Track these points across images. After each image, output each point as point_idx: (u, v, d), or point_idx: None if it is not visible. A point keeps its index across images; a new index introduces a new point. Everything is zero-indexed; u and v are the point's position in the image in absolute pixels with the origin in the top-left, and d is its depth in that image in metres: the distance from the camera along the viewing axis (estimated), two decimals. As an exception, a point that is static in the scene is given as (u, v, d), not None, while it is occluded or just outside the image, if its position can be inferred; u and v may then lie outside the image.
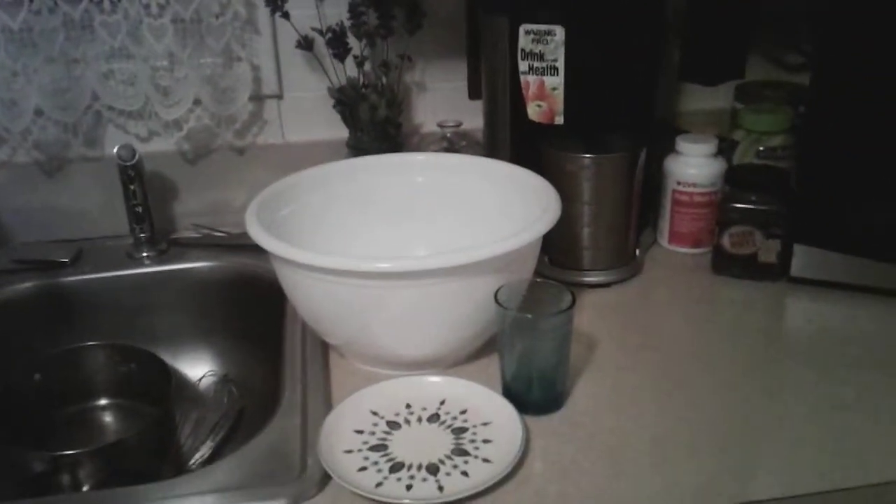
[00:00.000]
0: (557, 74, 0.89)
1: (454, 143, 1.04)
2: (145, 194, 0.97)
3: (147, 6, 0.95)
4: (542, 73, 0.90)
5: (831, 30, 0.81)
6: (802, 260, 0.87)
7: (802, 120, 0.96)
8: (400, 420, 0.68)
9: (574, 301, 0.68)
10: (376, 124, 1.02)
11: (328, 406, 0.70)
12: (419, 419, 0.68)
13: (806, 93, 0.95)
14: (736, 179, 0.89)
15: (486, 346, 0.76)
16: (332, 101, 1.04)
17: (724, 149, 0.97)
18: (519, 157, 0.91)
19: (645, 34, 0.93)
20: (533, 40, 0.89)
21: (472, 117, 1.05)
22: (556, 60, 0.89)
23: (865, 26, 0.78)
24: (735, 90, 1.09)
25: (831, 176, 0.84)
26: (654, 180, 0.97)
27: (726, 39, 1.11)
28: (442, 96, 1.10)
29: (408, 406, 0.69)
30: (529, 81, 0.91)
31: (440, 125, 1.04)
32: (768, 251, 0.88)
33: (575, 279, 0.90)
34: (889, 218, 0.83)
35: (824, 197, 0.85)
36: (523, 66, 0.91)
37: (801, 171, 0.86)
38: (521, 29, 0.89)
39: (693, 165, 0.93)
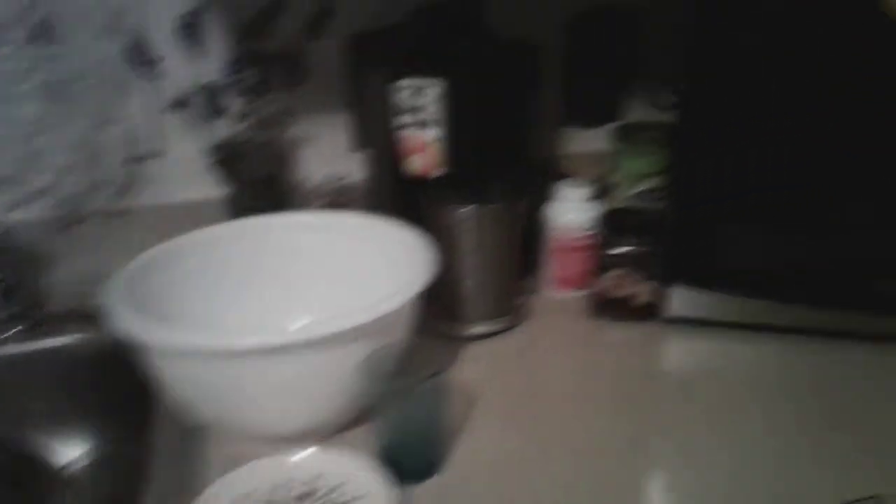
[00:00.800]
0: (435, 127, 0.90)
1: (339, 197, 1.03)
2: (14, 267, 0.93)
3: (13, 70, 0.92)
4: (420, 127, 0.90)
5: (696, 69, 0.83)
6: (678, 300, 0.89)
7: (669, 161, 0.99)
8: (276, 500, 0.66)
9: (447, 365, 0.68)
10: (258, 181, 1.01)
11: (197, 491, 0.68)
12: (296, 498, 0.66)
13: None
14: (612, 224, 0.91)
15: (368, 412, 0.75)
16: (212, 160, 1.02)
17: (605, 191, 1.00)
18: (401, 210, 0.91)
19: (521, 84, 0.95)
20: (410, 94, 0.90)
21: (358, 169, 1.05)
22: (432, 114, 0.89)
23: (729, 66, 0.81)
24: (615, 131, 1.12)
25: (700, 216, 0.86)
26: (537, 226, 0.98)
27: (604, 83, 1.15)
28: (326, 150, 1.09)
29: (282, 485, 0.68)
30: (408, 135, 0.91)
31: (323, 180, 1.04)
32: (643, 294, 0.90)
33: (459, 331, 0.90)
34: (757, 256, 0.86)
35: (695, 237, 0.87)
36: (401, 119, 0.91)
37: (671, 212, 0.88)
38: (398, 83, 0.90)
39: (572, 210, 0.95)
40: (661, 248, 0.89)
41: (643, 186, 0.99)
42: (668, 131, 1.08)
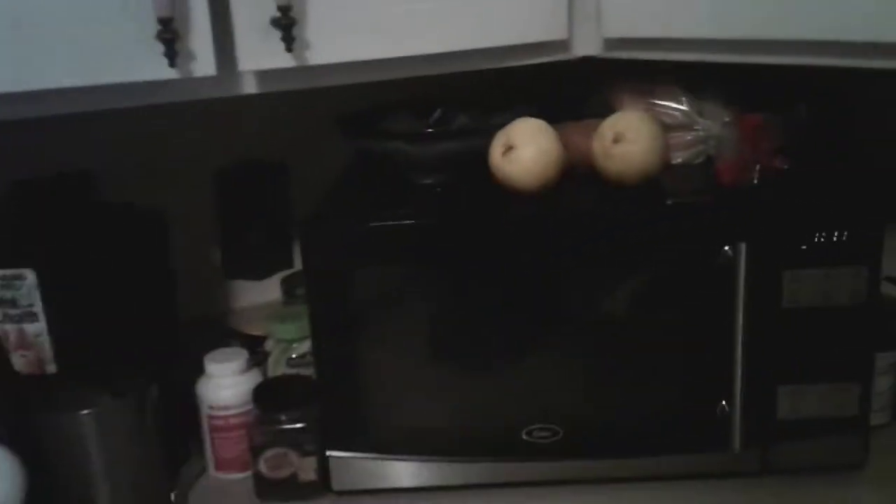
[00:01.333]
0: (38, 320, 0.78)
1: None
2: None
3: None
4: (20, 321, 0.78)
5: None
6: (341, 472, 0.83)
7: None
8: None
9: None
10: None
11: None
12: None
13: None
14: (262, 399, 0.84)
15: None
16: None
17: (260, 359, 0.93)
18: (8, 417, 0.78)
19: (144, 254, 0.87)
20: (2, 286, 0.78)
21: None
22: (32, 306, 0.78)
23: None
24: (282, 283, 1.07)
25: (347, 381, 0.82)
26: (192, 405, 0.89)
27: (266, 234, 1.09)
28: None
29: None
30: (7, 330, 0.79)
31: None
32: (307, 469, 0.83)
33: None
34: (416, 417, 0.83)
35: (349, 403, 0.82)
36: (-5, 315, 0.79)
37: (319, 379, 0.82)
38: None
39: (224, 386, 0.87)
40: (319, 419, 0.83)
41: (296, 352, 0.93)
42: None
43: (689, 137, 0.88)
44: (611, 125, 0.80)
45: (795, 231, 0.76)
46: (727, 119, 0.86)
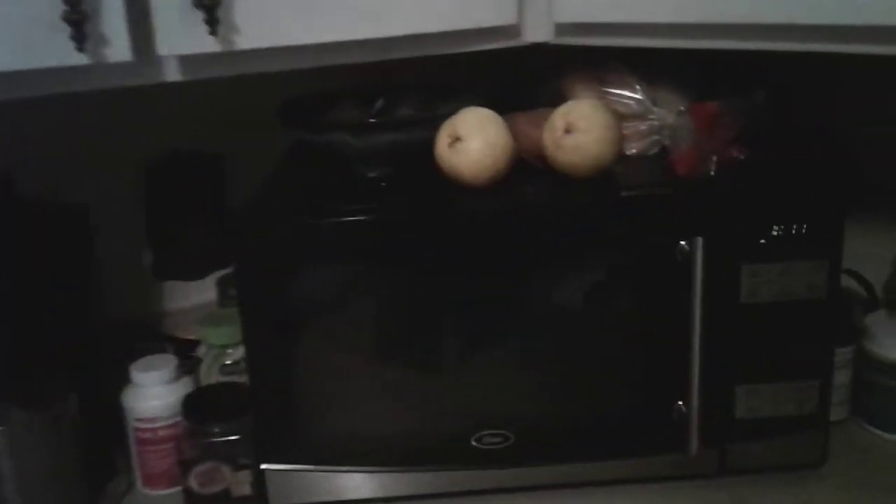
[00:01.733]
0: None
1: None
2: None
3: None
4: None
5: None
6: (278, 486, 0.78)
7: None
8: None
9: None
10: None
11: None
12: None
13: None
14: (192, 410, 0.78)
15: None
16: None
17: (191, 366, 0.87)
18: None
19: (54, 263, 0.80)
20: None
21: None
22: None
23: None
24: (217, 283, 1.01)
25: (283, 388, 0.76)
26: (120, 417, 0.82)
27: (200, 231, 1.03)
28: None
29: None
30: None
31: None
32: (241, 484, 0.78)
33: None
34: (348, 424, 0.78)
35: (280, 411, 0.77)
36: None
37: (253, 386, 0.77)
38: None
39: (152, 397, 0.81)
40: (253, 430, 0.77)
41: (230, 358, 0.87)
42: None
43: (643, 127, 0.84)
44: (562, 114, 0.76)
45: (753, 224, 0.73)
46: (682, 108, 0.83)
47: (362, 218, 0.73)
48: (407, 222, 0.74)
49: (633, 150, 0.84)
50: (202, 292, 1.03)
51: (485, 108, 0.77)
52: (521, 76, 0.91)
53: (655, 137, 0.84)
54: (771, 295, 0.74)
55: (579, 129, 0.74)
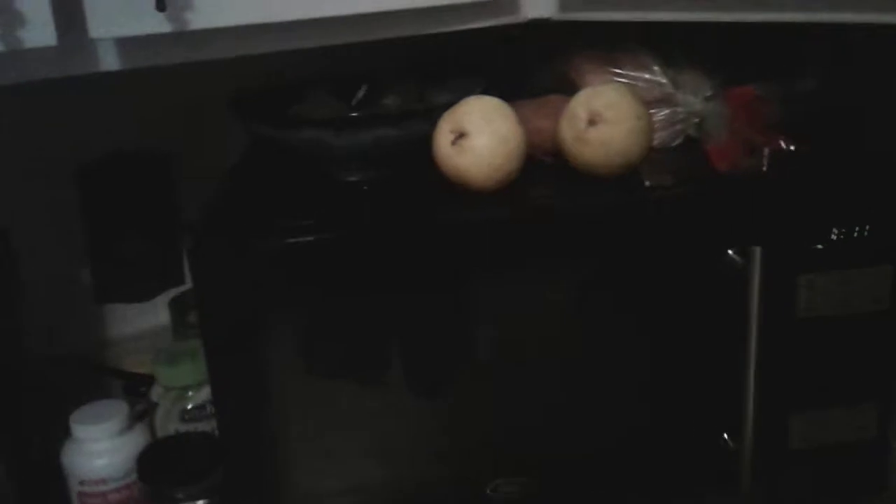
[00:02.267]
0: None
1: None
2: None
3: None
4: None
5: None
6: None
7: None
8: None
9: None
10: None
11: None
12: None
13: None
14: (148, 469, 0.65)
15: None
16: None
17: (145, 413, 0.73)
18: None
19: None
20: None
21: None
22: None
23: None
24: (170, 305, 0.87)
25: (259, 437, 0.64)
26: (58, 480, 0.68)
27: (146, 244, 0.88)
28: None
29: None
30: None
31: None
32: (212, 555, 0.65)
33: None
34: (338, 476, 0.65)
35: (257, 467, 0.64)
36: None
37: (223, 437, 0.64)
38: None
39: (98, 454, 0.67)
40: (224, 490, 0.64)
41: (193, 402, 0.74)
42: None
43: (663, 115, 0.73)
44: (584, 103, 0.64)
45: (811, 228, 0.62)
46: (709, 92, 0.72)
47: (344, 233, 0.60)
48: (398, 237, 0.61)
49: (654, 142, 0.73)
50: (152, 316, 0.89)
51: (491, 97, 0.65)
52: (522, 59, 0.79)
53: (679, 127, 0.73)
54: (830, 308, 0.64)
55: (607, 119, 0.62)
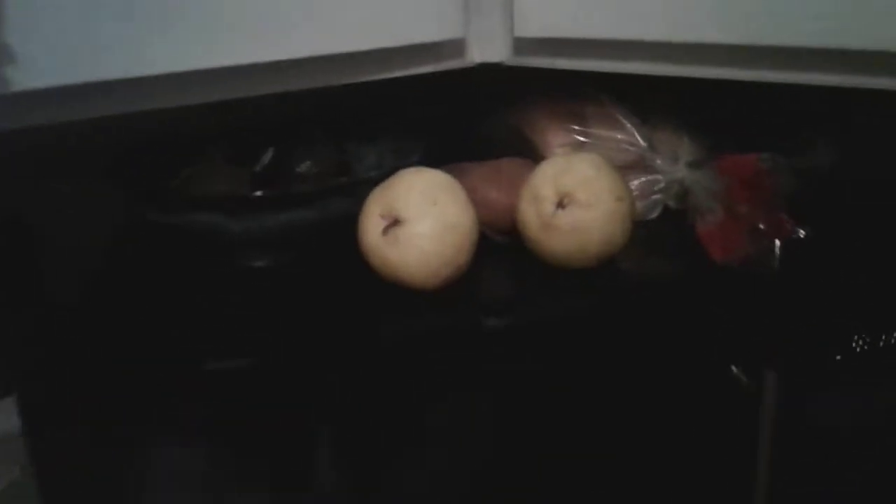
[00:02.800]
0: None
1: None
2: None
3: None
4: None
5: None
6: None
7: None
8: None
9: None
10: None
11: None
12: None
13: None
14: None
15: None
16: None
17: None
18: None
19: None
20: None
21: None
22: None
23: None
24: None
25: None
26: None
27: None
28: None
29: None
30: None
31: None
32: None
33: None
34: None
35: None
36: None
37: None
38: None
39: None
40: None
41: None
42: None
43: (638, 183, 0.61)
44: (550, 179, 0.51)
45: (831, 336, 0.50)
46: (690, 158, 0.60)
47: (242, 361, 0.46)
48: (314, 353, 0.47)
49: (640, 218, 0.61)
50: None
51: (436, 172, 0.51)
52: (468, 109, 0.66)
53: (658, 197, 0.61)
54: (848, 429, 0.52)
55: (580, 202, 0.49)
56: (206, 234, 0.49)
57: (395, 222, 0.48)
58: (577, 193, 0.49)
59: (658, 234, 0.59)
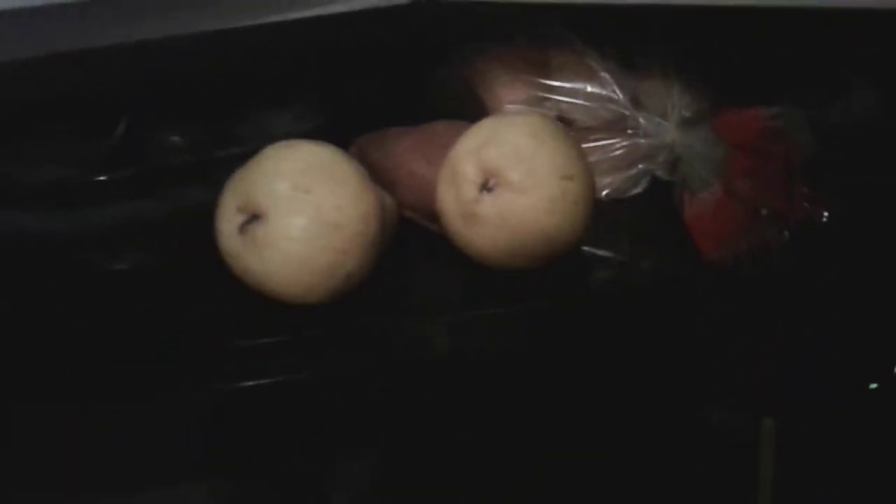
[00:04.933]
0: None
1: None
2: None
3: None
4: None
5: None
6: None
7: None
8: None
9: None
10: None
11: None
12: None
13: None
14: None
15: None
16: None
17: None
18: None
19: None
20: None
21: None
22: None
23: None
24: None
25: None
26: None
27: None
28: None
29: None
30: None
31: None
32: None
33: None
34: None
35: None
36: None
37: None
38: None
39: None
40: None
41: None
42: None
43: (619, 150, 0.47)
44: (472, 151, 0.37)
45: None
46: (688, 114, 0.46)
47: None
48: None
49: (605, 191, 0.47)
50: None
51: (314, 144, 0.38)
52: (407, 63, 0.53)
53: (641, 166, 0.47)
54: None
55: (509, 183, 0.36)
56: (13, 236, 0.37)
57: (253, 218, 0.35)
58: (506, 172, 0.36)
59: (638, 217, 0.45)
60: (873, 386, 0.33)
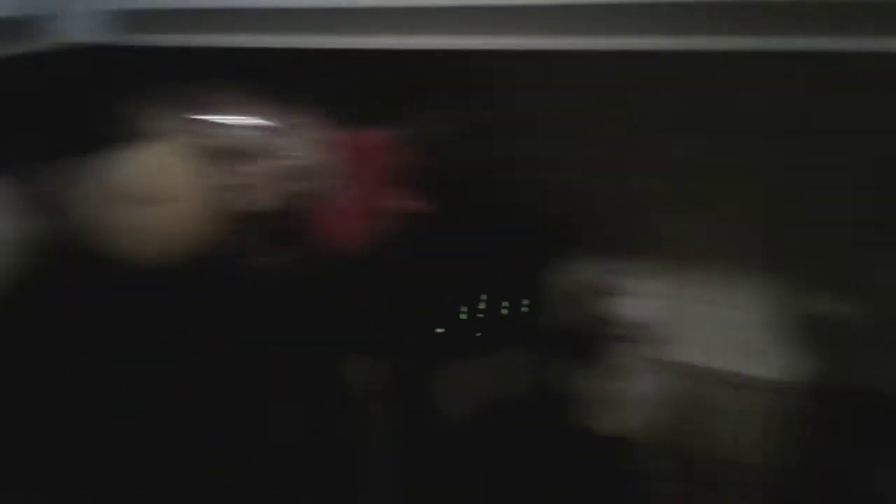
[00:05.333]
0: None
1: None
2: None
3: None
4: None
5: None
6: None
7: None
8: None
9: None
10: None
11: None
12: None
13: None
14: None
15: None
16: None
17: None
18: None
19: None
20: None
21: None
22: None
23: None
24: None
25: None
26: None
27: None
28: None
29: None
30: None
31: None
32: None
33: None
34: None
35: None
36: None
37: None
38: None
39: None
40: None
41: None
42: None
43: (267, 172, 0.56)
44: (124, 174, 0.44)
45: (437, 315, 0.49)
46: (310, 138, 0.56)
47: None
48: None
49: (263, 209, 0.55)
50: None
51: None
52: (73, 102, 0.57)
53: (287, 186, 0.56)
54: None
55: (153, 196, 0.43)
56: None
57: None
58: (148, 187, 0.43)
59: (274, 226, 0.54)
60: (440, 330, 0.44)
